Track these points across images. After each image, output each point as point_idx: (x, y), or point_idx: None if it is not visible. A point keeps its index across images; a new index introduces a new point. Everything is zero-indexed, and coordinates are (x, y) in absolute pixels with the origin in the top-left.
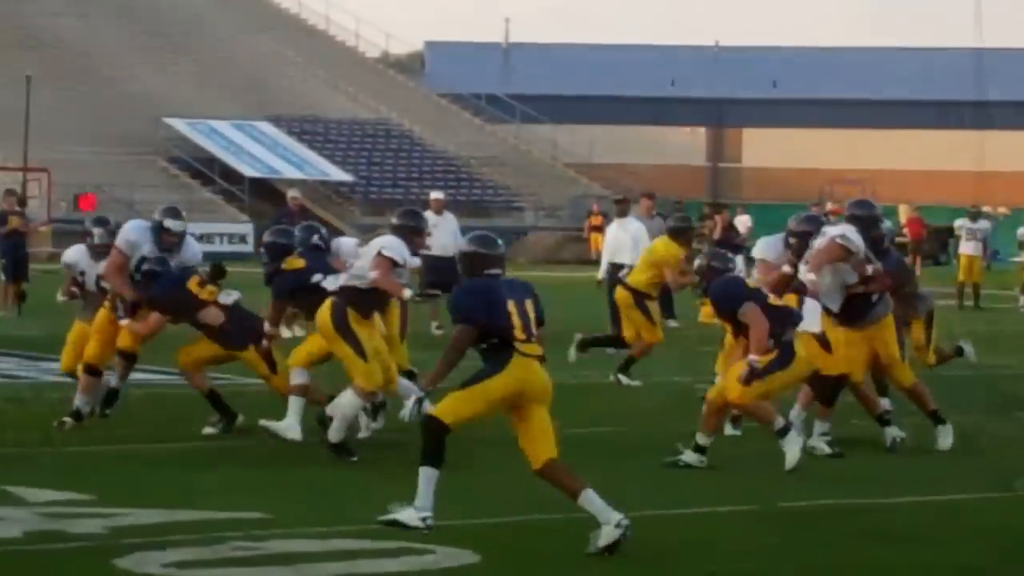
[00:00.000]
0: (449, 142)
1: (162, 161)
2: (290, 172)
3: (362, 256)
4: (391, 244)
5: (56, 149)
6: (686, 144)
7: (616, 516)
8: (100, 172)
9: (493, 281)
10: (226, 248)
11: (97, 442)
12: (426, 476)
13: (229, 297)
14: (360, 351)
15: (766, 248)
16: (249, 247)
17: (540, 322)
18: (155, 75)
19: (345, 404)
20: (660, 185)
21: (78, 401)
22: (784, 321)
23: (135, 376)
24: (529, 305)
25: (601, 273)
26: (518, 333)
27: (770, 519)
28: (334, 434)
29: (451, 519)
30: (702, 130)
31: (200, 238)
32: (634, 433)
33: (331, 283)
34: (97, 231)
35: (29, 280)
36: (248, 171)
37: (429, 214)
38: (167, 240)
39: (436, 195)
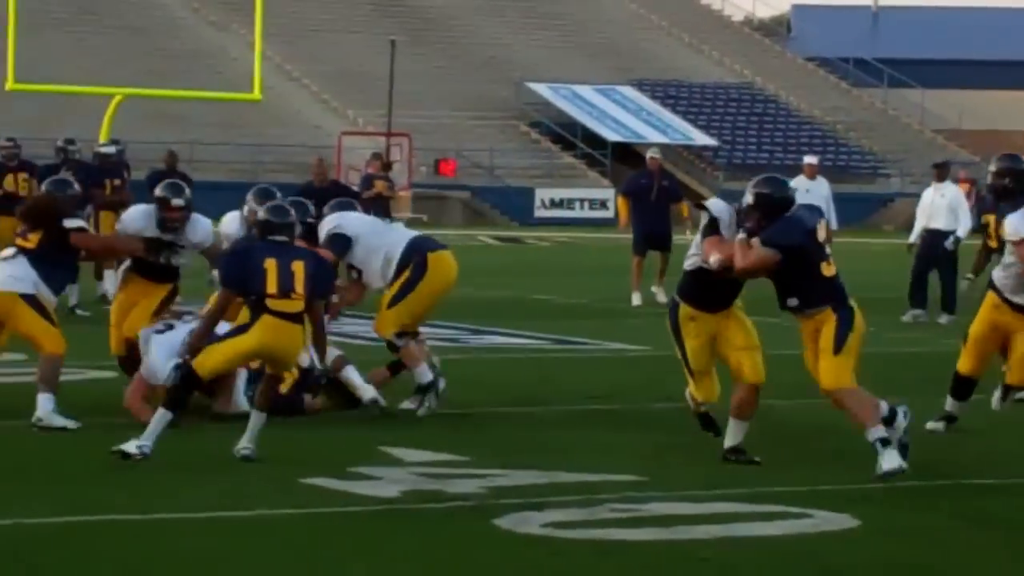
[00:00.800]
0: (815, 107)
1: (523, 126)
2: (653, 136)
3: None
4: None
5: (418, 114)
6: None
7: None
8: (461, 137)
9: (256, 244)
10: (586, 214)
11: (470, 404)
12: (161, 417)
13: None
14: (685, 358)
15: (1020, 224)
16: (610, 213)
17: (319, 288)
18: (518, 40)
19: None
20: None
21: None
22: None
23: (517, 341)
24: (298, 266)
25: (912, 237)
26: (270, 288)
27: None
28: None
29: (829, 483)
30: None
31: (560, 203)
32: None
33: None
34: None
35: None
36: (611, 136)
37: (801, 179)
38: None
39: (810, 160)
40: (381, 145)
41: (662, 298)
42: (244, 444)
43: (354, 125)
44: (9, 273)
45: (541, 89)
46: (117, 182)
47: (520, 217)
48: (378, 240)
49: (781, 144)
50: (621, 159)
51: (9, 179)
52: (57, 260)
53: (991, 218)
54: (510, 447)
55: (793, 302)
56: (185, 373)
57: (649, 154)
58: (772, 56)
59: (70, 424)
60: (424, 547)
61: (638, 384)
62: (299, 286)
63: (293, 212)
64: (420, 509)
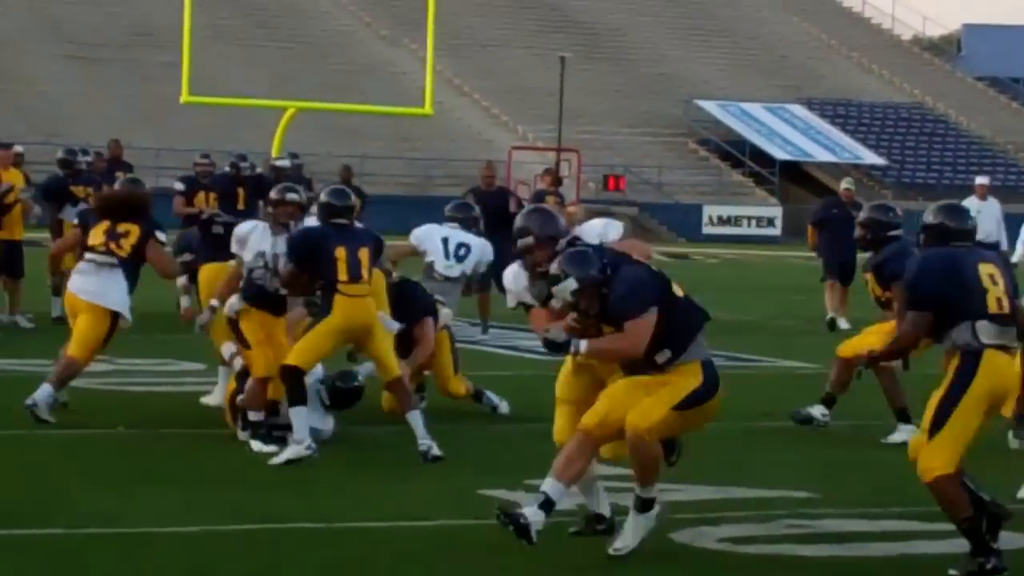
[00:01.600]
0: (985, 126)
1: (692, 143)
2: (822, 155)
3: None
4: None
5: (587, 130)
6: None
7: (427, 442)
8: (629, 153)
9: (324, 230)
10: (753, 231)
11: None
12: (297, 413)
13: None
14: None
15: None
16: (777, 231)
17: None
18: (687, 57)
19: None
20: None
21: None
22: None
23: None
24: (363, 252)
25: (1016, 256)
26: (340, 275)
27: None
28: None
29: (1004, 502)
30: None
31: (728, 220)
32: None
33: None
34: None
35: None
36: (779, 154)
37: (973, 200)
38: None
39: (982, 180)
40: (550, 160)
41: (845, 325)
42: (421, 442)
43: (523, 140)
44: (108, 285)
45: (710, 107)
46: None
47: (688, 233)
48: None
49: (951, 164)
50: (789, 177)
51: (200, 197)
52: (138, 266)
53: (869, 276)
54: (684, 462)
55: (665, 355)
56: (290, 372)
57: (843, 186)
58: (942, 75)
59: (51, 420)
60: (601, 559)
61: (811, 402)
62: (365, 272)
63: (353, 196)
64: None
